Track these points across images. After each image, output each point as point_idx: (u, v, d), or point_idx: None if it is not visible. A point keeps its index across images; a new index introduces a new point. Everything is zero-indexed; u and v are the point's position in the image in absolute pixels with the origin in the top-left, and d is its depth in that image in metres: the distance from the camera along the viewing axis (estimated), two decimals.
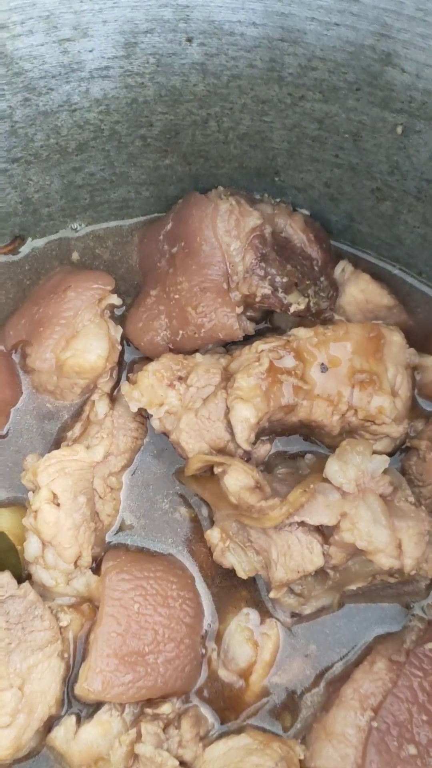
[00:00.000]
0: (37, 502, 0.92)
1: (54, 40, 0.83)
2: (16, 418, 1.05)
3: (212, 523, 0.99)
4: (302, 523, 0.89)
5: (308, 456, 1.00)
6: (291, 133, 0.97)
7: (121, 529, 1.04)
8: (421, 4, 0.80)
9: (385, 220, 1.05)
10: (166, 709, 0.92)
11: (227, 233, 1.01)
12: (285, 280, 1.02)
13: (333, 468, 0.88)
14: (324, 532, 0.90)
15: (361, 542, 0.86)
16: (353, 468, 0.88)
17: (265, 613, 1.00)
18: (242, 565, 0.92)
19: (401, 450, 1.02)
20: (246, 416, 0.93)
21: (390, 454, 0.99)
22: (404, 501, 0.90)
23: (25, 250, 1.13)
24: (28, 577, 0.95)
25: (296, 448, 1.04)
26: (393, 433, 0.97)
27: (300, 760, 0.89)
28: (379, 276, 1.08)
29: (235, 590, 1.01)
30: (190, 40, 0.86)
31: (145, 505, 1.03)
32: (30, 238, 1.13)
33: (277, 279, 1.01)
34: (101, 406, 1.02)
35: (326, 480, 0.90)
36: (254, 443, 0.95)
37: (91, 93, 0.92)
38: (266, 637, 0.97)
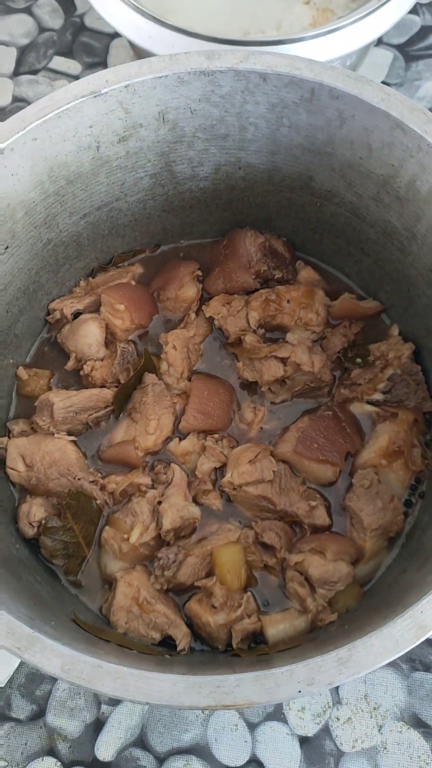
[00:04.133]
0: (167, 347, 1.46)
1: (188, 176, 1.61)
2: (154, 322, 1.57)
3: (238, 361, 1.49)
4: (275, 357, 1.42)
5: (280, 340, 1.46)
6: (277, 205, 1.47)
7: (198, 367, 1.52)
8: (325, 146, 1.24)
9: (317, 241, 1.54)
10: (217, 435, 1.43)
11: (251, 245, 1.52)
12: (273, 265, 1.52)
13: (288, 335, 1.46)
14: (284, 360, 1.41)
15: (298, 360, 1.40)
16: (297, 335, 1.46)
17: (259, 400, 1.49)
18: (251, 374, 1.46)
19: (320, 339, 1.51)
20: (255, 316, 1.47)
21: (315, 341, 1.50)
22: (318, 349, 1.45)
23: (159, 251, 1.66)
24: (160, 379, 1.44)
25: (275, 336, 1.52)
26: (317, 329, 1.49)
27: (271, 451, 1.40)
28: (315, 267, 1.57)
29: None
30: (240, 168, 1.41)
31: (209, 358, 1.53)
32: (161, 245, 1.64)
33: (270, 264, 1.52)
34: (192, 316, 1.53)
35: (287, 341, 1.45)
36: (257, 328, 1.47)
37: (199, 186, 1.47)
38: (259, 410, 1.48)
